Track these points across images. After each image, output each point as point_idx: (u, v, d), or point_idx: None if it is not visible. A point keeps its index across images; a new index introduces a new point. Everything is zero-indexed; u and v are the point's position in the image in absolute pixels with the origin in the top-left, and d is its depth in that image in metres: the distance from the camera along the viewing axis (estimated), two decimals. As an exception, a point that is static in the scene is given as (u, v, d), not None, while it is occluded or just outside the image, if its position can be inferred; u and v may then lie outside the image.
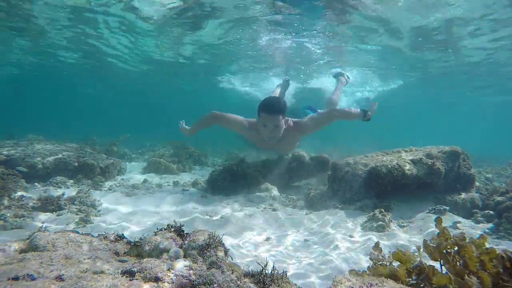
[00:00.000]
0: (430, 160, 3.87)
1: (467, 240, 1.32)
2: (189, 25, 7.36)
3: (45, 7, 6.77)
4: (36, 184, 4.63)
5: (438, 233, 1.40)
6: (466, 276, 1.17)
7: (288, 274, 2.09)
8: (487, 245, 1.32)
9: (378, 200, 3.88)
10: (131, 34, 8.44)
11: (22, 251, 1.32)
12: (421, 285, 1.30)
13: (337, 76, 7.78)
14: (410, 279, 1.34)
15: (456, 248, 1.33)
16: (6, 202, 3.52)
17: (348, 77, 7.80)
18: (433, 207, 3.75)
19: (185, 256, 1.35)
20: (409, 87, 13.68)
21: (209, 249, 1.37)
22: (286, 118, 3.60)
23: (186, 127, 4.29)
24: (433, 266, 1.31)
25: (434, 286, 1.23)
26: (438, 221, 1.46)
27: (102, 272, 1.10)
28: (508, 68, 10.18)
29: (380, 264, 1.48)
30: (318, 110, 5.15)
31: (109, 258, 1.29)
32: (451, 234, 1.40)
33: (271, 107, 3.45)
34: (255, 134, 3.85)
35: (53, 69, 14.40)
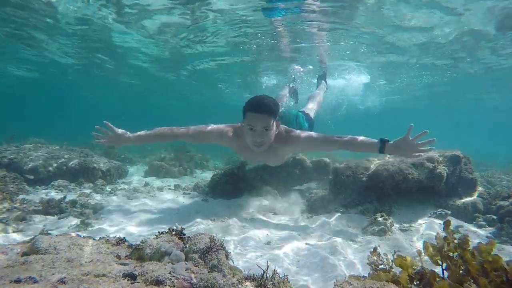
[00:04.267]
0: (432, 164, 3.87)
1: (470, 244, 1.31)
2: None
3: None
4: (38, 187, 4.64)
5: (445, 236, 1.40)
6: (467, 283, 1.16)
7: (289, 278, 2.08)
8: (494, 252, 1.31)
9: (379, 204, 3.87)
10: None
11: (24, 254, 1.32)
12: (423, 290, 1.30)
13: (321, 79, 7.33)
14: (412, 285, 1.34)
15: (458, 252, 1.33)
16: (8, 205, 3.53)
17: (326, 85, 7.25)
18: (435, 211, 3.74)
19: (186, 260, 1.35)
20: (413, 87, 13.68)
21: (210, 253, 1.37)
22: (278, 122, 3.02)
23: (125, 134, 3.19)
24: (434, 272, 1.31)
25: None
26: (446, 224, 1.46)
27: (103, 275, 1.11)
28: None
29: (380, 269, 1.48)
30: (310, 115, 4.78)
31: (111, 261, 1.29)
32: (456, 237, 1.40)
33: (260, 104, 2.82)
34: (241, 142, 3.19)
35: (54, 72, 14.48)
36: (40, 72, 14.72)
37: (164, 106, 30.83)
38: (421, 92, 14.47)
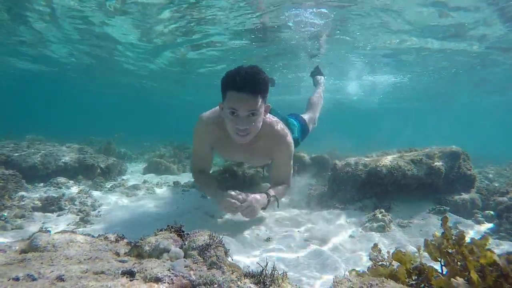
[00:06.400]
0: (430, 160, 3.88)
1: (466, 240, 1.32)
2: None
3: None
4: (37, 184, 4.63)
5: (443, 232, 1.40)
6: (457, 277, 1.17)
7: (288, 274, 2.08)
8: (488, 246, 1.31)
9: (378, 201, 3.88)
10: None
11: (23, 251, 1.32)
12: (421, 286, 1.30)
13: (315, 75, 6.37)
14: (410, 279, 1.35)
15: (456, 248, 1.33)
16: (6, 202, 3.52)
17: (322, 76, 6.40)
18: (433, 207, 3.76)
19: (185, 257, 1.35)
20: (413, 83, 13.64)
21: (209, 250, 1.37)
22: (268, 105, 2.33)
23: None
24: (432, 267, 1.31)
25: (434, 287, 1.23)
26: (444, 221, 1.46)
27: (102, 272, 1.11)
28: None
29: (380, 265, 1.48)
30: (302, 116, 4.53)
31: (110, 258, 1.29)
32: (453, 233, 1.40)
33: (245, 80, 2.07)
34: (216, 131, 2.57)
35: (53, 68, 14.40)
36: (40, 65, 14.62)
37: (163, 104, 30.75)
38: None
